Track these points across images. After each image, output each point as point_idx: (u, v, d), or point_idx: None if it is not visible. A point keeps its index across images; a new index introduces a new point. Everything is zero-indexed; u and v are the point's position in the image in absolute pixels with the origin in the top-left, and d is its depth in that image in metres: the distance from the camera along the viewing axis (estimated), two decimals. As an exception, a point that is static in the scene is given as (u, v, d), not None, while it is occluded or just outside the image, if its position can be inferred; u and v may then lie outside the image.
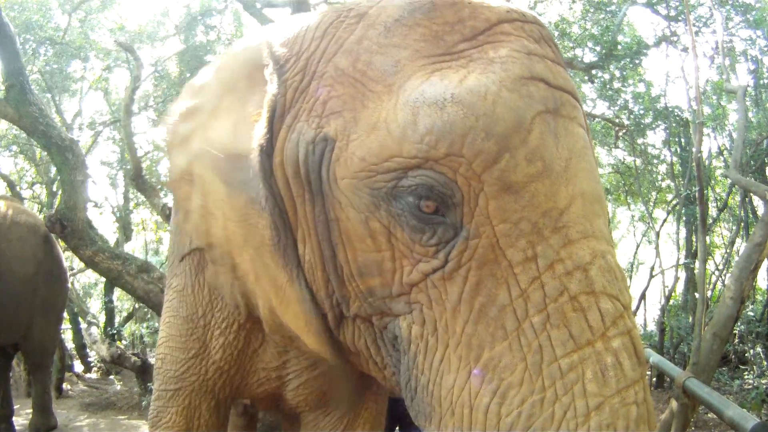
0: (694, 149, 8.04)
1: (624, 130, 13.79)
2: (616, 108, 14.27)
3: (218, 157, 1.99)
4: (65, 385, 12.46)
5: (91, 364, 14.93)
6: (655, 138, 15.65)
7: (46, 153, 10.38)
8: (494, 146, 1.51)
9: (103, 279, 14.33)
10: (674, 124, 13.52)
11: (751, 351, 12.08)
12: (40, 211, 14.92)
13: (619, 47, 12.48)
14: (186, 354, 2.76)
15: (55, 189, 15.79)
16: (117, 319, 17.14)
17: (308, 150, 1.74)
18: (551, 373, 1.43)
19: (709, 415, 9.52)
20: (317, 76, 1.80)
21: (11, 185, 15.89)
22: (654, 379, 11.62)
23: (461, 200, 1.55)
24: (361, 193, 1.64)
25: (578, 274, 1.50)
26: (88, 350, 14.83)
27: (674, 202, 15.08)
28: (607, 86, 13.61)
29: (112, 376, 14.14)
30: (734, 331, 11.00)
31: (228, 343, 2.66)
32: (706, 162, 13.42)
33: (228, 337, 2.65)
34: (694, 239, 13.55)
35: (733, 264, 12.37)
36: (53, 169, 14.79)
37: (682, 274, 14.19)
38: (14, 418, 8.53)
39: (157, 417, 2.89)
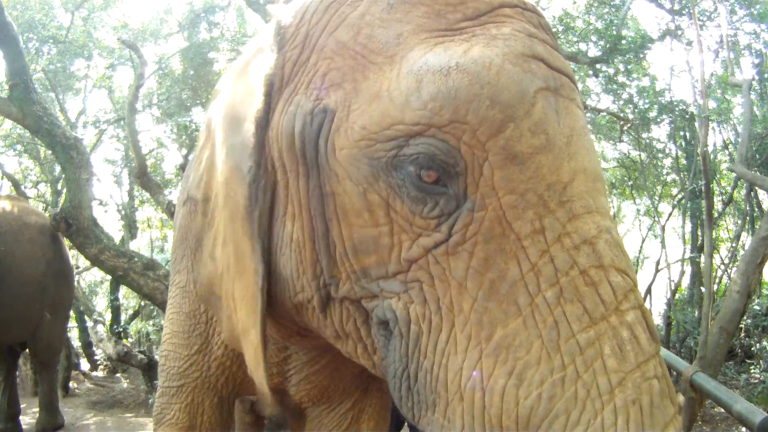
0: (699, 143, 8.02)
1: (629, 125, 13.77)
2: (621, 102, 14.25)
3: (227, 115, 2.01)
4: (72, 384, 12.50)
5: (98, 362, 14.98)
6: (660, 132, 15.64)
7: (50, 152, 10.38)
8: (499, 114, 1.49)
9: (109, 277, 14.37)
10: (679, 118, 13.49)
11: (758, 345, 12.08)
12: (45, 210, 14.93)
13: (624, 41, 12.44)
14: (189, 350, 2.77)
15: (59, 187, 15.82)
16: (123, 317, 17.19)
17: (306, 121, 1.72)
18: (570, 350, 1.39)
19: (715, 409, 9.52)
20: (317, 50, 1.78)
21: (16, 184, 15.92)
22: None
23: (464, 169, 1.51)
24: (360, 163, 1.60)
25: (586, 248, 1.48)
26: (94, 348, 14.88)
27: (679, 196, 15.06)
28: (612, 80, 13.58)
29: (118, 374, 14.19)
30: (740, 325, 10.98)
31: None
32: (711, 156, 13.39)
33: None
34: (699, 233, 13.55)
35: (739, 258, 12.35)
36: (57, 168, 14.82)
37: (688, 268, 14.17)
38: (21, 417, 8.57)
39: (161, 414, 2.90)
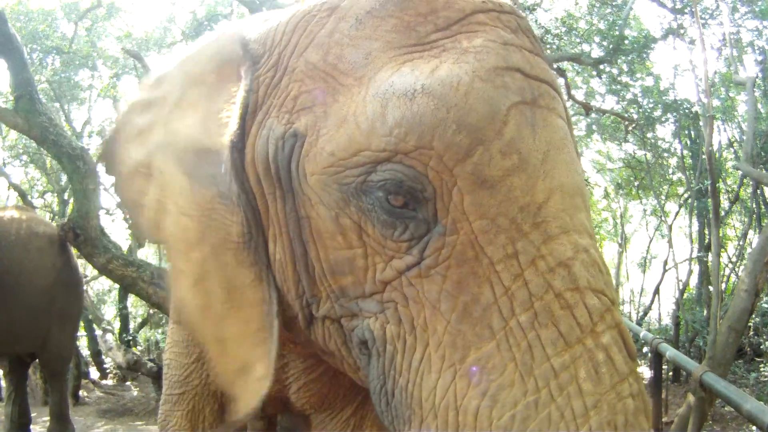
0: (704, 142, 8.01)
1: (633, 125, 13.76)
2: (625, 102, 14.24)
3: (183, 149, 1.93)
4: (82, 393, 12.51)
5: (107, 371, 15.00)
6: (665, 131, 15.63)
7: (56, 162, 10.41)
8: (466, 139, 1.47)
9: (117, 286, 14.39)
10: (683, 117, 13.47)
11: (767, 343, 12.04)
12: (52, 220, 14.97)
13: (627, 41, 12.44)
14: (188, 359, 2.80)
15: (66, 197, 15.86)
16: (132, 326, 17.22)
17: (278, 146, 1.70)
18: (544, 374, 1.39)
19: (725, 408, 9.51)
20: (288, 72, 1.75)
21: (22, 194, 15.96)
22: (670, 373, 11.59)
23: (433, 195, 1.50)
24: (331, 189, 1.60)
25: (561, 270, 1.46)
26: (103, 357, 14.89)
27: (686, 195, 15.03)
28: (616, 81, 13.57)
29: (128, 383, 14.19)
30: (749, 324, 10.95)
31: None
32: (717, 154, 13.36)
33: None
34: (706, 232, 13.53)
35: (746, 256, 12.32)
36: (64, 178, 14.85)
37: (696, 268, 14.14)
38: (32, 427, 8.57)
39: (165, 421, 2.93)
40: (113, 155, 2.30)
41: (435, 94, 1.49)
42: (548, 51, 13.84)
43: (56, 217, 15.92)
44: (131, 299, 16.65)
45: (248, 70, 1.85)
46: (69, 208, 13.18)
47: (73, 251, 8.90)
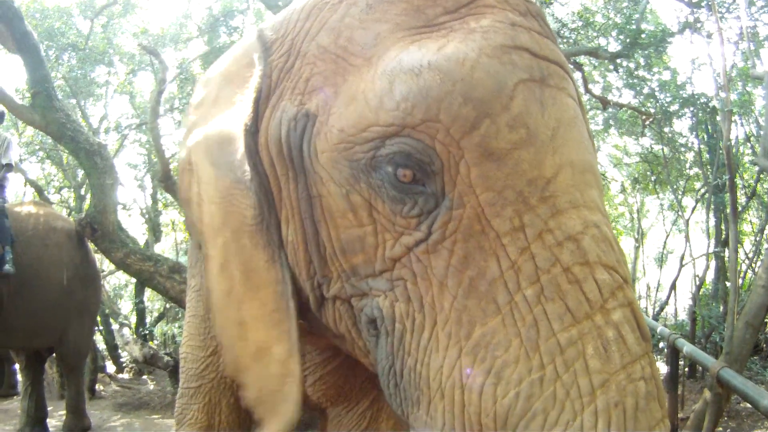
0: (722, 137, 7.96)
1: (651, 119, 13.68)
2: (642, 97, 14.17)
3: (212, 142, 1.97)
4: (98, 386, 12.58)
5: (123, 365, 15.08)
6: (682, 125, 15.55)
7: (73, 157, 10.48)
8: (473, 111, 1.48)
9: (134, 280, 14.47)
10: (701, 112, 13.39)
11: (784, 339, 11.97)
12: (69, 215, 15.05)
13: (644, 35, 12.37)
14: (205, 352, 2.81)
15: (83, 193, 15.95)
16: (148, 320, 17.32)
17: (290, 127, 1.73)
18: (549, 349, 1.37)
19: (741, 405, 9.45)
20: (301, 56, 1.78)
21: (39, 190, 16.08)
22: (686, 369, 11.54)
23: (441, 168, 1.50)
24: (341, 166, 1.61)
25: (570, 244, 1.45)
26: (120, 351, 14.98)
27: (703, 190, 14.95)
28: (633, 75, 13.51)
29: (144, 376, 14.27)
30: (766, 320, 10.89)
31: None
32: (734, 149, 13.28)
33: None
34: (723, 227, 13.44)
35: (763, 252, 12.24)
36: (80, 173, 14.95)
37: (712, 263, 14.07)
38: (48, 420, 8.65)
39: (181, 414, 2.95)
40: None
41: (441, 68, 1.50)
42: (565, 45, 13.80)
43: (73, 212, 16.00)
44: (148, 293, 16.73)
45: (262, 57, 1.89)
46: (85, 204, 13.24)
47: (91, 246, 8.97)
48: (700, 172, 14.91)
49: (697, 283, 13.93)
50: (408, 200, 1.54)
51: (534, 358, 1.37)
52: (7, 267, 6.93)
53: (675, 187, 16.02)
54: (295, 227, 1.77)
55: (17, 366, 10.47)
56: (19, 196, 17.09)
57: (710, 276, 14.56)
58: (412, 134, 1.50)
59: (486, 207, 1.48)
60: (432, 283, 1.51)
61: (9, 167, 7.71)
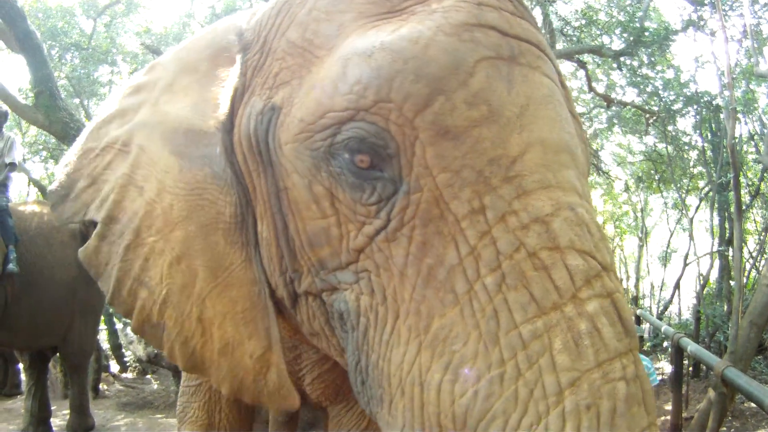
0: (726, 135, 7.95)
1: (654, 117, 13.67)
2: (646, 95, 14.16)
3: (172, 130, 1.93)
4: (102, 386, 12.58)
5: (127, 364, 15.08)
6: (686, 124, 15.53)
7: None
8: (425, 88, 1.41)
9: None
10: (704, 110, 13.37)
11: (788, 339, 11.94)
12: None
13: (647, 33, 12.36)
14: None
15: (87, 192, 15.93)
16: (151, 319, 17.32)
17: (258, 120, 1.70)
18: (510, 343, 1.26)
19: (745, 404, 9.43)
20: (272, 52, 1.76)
21: (42, 190, 16.06)
22: (690, 368, 11.53)
23: (397, 150, 1.43)
24: (303, 156, 1.56)
25: (537, 227, 1.34)
26: (123, 350, 14.98)
27: (707, 188, 14.93)
28: (636, 73, 13.50)
29: (148, 376, 14.27)
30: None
31: None
32: (738, 147, 13.25)
33: None
34: (727, 226, 13.43)
35: (767, 250, 12.22)
36: (84, 173, 14.93)
37: (716, 262, 14.05)
38: (52, 420, 8.65)
39: (183, 412, 2.96)
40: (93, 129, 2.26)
41: (393, 48, 1.45)
42: (568, 43, 13.79)
43: (77, 211, 15.97)
44: (151, 293, 16.74)
45: (239, 55, 1.87)
46: (89, 203, 13.23)
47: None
48: (704, 170, 14.92)
49: (702, 282, 13.92)
50: (367, 187, 1.48)
51: (493, 352, 1.27)
52: (11, 266, 6.94)
53: (679, 185, 16.01)
54: (268, 223, 1.74)
55: (21, 365, 10.48)
56: (22, 195, 17.12)
57: (714, 275, 14.54)
58: (366, 117, 1.45)
59: (444, 189, 1.40)
60: (393, 273, 1.44)
61: (13, 167, 7.72)
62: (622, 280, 27.24)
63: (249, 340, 1.80)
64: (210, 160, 1.83)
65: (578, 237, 1.36)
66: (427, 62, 1.42)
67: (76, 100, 15.68)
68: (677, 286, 16.09)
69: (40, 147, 15.89)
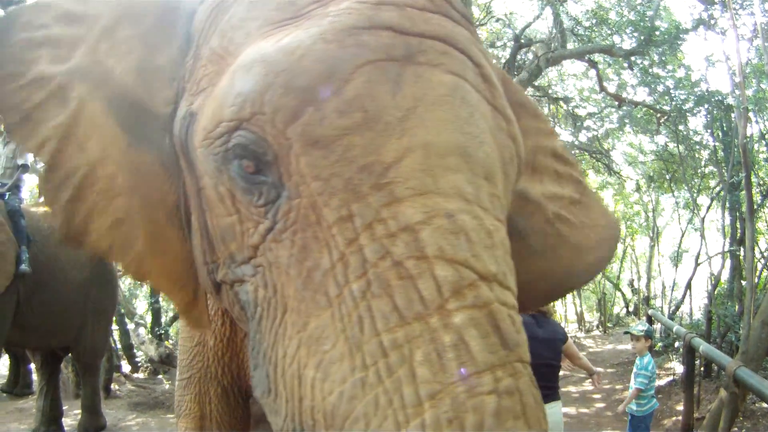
0: (737, 134, 7.92)
1: (665, 117, 13.64)
2: (657, 94, 14.13)
3: (119, 97, 1.94)
4: (113, 386, 12.64)
5: (139, 364, 15.15)
6: (697, 123, 15.49)
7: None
8: (293, 101, 1.41)
9: (149, 280, 14.50)
10: (715, 109, 13.33)
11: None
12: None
13: (658, 33, 12.34)
14: (191, 342, 2.89)
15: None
16: (163, 319, 17.39)
17: (181, 125, 1.76)
18: (372, 351, 1.24)
19: (757, 404, 9.39)
20: (199, 59, 1.80)
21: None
22: (702, 368, 11.49)
23: (275, 158, 1.45)
24: (208, 160, 1.60)
25: (404, 235, 1.31)
26: (135, 350, 15.06)
27: (718, 188, 14.88)
28: (647, 72, 13.47)
29: (160, 376, 14.32)
30: (783, 319, 10.81)
31: (217, 330, 2.77)
32: (749, 146, 13.20)
33: (216, 323, 2.75)
34: (738, 225, 13.37)
35: (780, 250, 12.18)
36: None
37: (727, 262, 13.99)
38: (63, 420, 8.70)
39: (179, 405, 3.01)
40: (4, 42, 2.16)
41: (268, 61, 1.46)
42: (579, 43, 13.77)
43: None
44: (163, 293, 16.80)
45: (180, 42, 1.93)
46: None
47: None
48: (716, 170, 14.85)
49: (713, 281, 13.84)
50: (255, 190, 1.51)
51: (356, 357, 1.26)
52: (24, 267, 6.99)
53: (690, 185, 15.96)
54: (195, 216, 1.81)
55: (33, 365, 10.54)
56: (35, 196, 17.19)
57: (726, 275, 14.46)
58: (248, 127, 1.47)
59: (317, 197, 1.40)
60: (281, 271, 1.46)
61: (25, 168, 7.78)
62: (633, 280, 27.24)
63: (179, 293, 1.97)
64: (158, 147, 1.88)
65: (451, 246, 1.32)
66: (298, 74, 1.42)
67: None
68: (689, 286, 16.01)
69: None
